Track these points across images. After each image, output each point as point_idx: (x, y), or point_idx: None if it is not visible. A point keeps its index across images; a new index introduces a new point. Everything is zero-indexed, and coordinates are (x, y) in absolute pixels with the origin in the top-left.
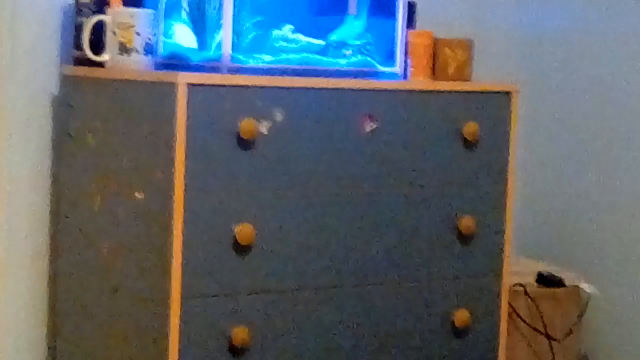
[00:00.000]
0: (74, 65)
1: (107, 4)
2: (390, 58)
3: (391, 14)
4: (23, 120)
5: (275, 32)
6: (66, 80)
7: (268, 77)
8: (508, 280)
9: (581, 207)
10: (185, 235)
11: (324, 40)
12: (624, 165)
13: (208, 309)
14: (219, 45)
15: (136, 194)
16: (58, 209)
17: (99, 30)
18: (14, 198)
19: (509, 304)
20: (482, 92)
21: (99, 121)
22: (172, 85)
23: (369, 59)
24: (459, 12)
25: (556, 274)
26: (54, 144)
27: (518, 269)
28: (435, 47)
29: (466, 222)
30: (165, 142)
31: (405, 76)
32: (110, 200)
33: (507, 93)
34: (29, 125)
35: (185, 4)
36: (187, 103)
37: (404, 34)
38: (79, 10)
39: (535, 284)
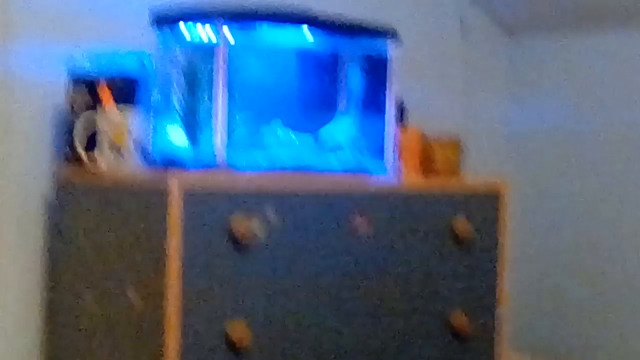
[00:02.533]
0: (67, 165)
1: (100, 104)
2: (380, 156)
3: (381, 112)
4: (15, 221)
5: (267, 131)
6: (59, 182)
7: (260, 177)
8: None
9: (574, 301)
10: (179, 336)
11: (314, 138)
12: (616, 259)
13: None
14: (211, 145)
15: (129, 295)
16: (50, 310)
17: (91, 130)
18: (6, 299)
19: None
20: (472, 189)
21: (91, 222)
22: (165, 186)
23: (359, 157)
24: (448, 110)
25: None
26: (46, 245)
27: None
28: (425, 145)
29: (460, 320)
30: (159, 243)
31: (395, 174)
32: (103, 301)
33: (497, 190)
34: (21, 227)
35: (176, 104)
36: (180, 203)
37: (394, 132)
38: (71, 110)
39: None
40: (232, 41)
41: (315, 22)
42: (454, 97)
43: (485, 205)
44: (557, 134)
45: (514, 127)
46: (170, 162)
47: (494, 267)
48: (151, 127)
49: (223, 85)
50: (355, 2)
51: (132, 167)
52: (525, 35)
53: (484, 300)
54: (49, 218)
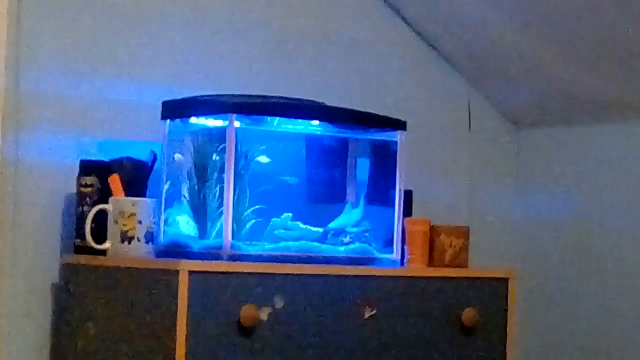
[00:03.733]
0: (76, 253)
1: (109, 193)
2: (388, 245)
3: (389, 202)
4: (24, 308)
5: (275, 221)
6: (67, 269)
7: (268, 264)
8: None
9: None
10: None
11: (322, 228)
12: (627, 347)
13: None
14: (220, 233)
15: None
16: None
17: (100, 219)
18: None
19: None
20: (479, 279)
21: (99, 309)
22: (174, 273)
23: (367, 246)
24: (456, 200)
25: None
26: (53, 332)
27: None
28: (433, 235)
29: None
30: (167, 329)
31: (403, 263)
32: None
33: (505, 279)
34: (29, 314)
35: (186, 193)
36: (189, 291)
37: (402, 221)
38: (80, 199)
39: None
40: (242, 134)
41: (325, 116)
42: (462, 187)
43: (493, 294)
44: (564, 224)
45: (520, 216)
46: (179, 251)
47: (502, 354)
48: (161, 216)
49: (233, 177)
50: (364, 92)
51: (142, 256)
52: (531, 126)
53: None
54: (56, 305)
